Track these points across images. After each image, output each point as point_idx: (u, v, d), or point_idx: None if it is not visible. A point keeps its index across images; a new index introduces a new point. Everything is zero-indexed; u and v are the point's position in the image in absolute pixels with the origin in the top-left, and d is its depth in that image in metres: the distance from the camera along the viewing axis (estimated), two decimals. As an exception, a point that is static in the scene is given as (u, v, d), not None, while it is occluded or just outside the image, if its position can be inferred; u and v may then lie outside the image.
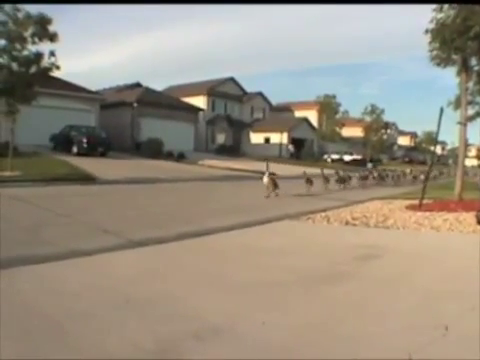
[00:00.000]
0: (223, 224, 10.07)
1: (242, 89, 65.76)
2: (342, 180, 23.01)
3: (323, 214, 12.30)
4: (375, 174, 29.41)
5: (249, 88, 67.20)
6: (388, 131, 70.95)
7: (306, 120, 63.81)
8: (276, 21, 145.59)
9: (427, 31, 14.08)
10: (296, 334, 4.13)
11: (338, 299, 5.15)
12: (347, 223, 10.98)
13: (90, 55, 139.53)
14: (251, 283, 5.65)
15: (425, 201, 14.02)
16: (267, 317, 4.44)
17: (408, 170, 36.70)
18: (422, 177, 28.13)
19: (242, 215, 11.73)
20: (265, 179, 15.94)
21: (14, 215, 10.30)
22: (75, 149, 31.21)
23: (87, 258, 6.73)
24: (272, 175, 18.29)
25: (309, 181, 19.53)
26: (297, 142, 60.38)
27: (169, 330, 4.09)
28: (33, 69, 22.26)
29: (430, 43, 14.22)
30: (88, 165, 23.41)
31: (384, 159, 72.31)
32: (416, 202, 14.10)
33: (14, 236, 8.07)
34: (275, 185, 16.36)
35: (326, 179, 21.59)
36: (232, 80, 64.53)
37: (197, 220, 10.86)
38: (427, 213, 12.43)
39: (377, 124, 62.36)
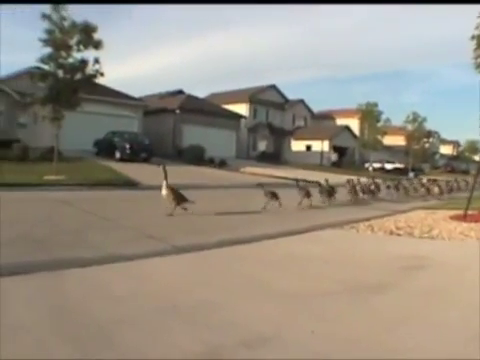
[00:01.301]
0: (266, 231, 9.99)
1: (284, 96, 65.61)
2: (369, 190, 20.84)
3: (367, 223, 12.12)
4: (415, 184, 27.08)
5: (291, 95, 67.13)
6: (430, 140, 69.75)
7: (347, 128, 63.32)
8: (318, 28, 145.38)
9: (473, 37, 13.82)
10: (347, 344, 4.07)
11: (385, 310, 5.07)
12: (391, 233, 10.76)
13: (133, 62, 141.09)
14: (297, 292, 5.60)
15: (470, 212, 13.71)
16: (315, 327, 4.38)
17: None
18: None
19: (285, 223, 11.70)
20: (164, 191, 11.77)
21: (59, 218, 10.47)
22: (118, 155, 31.63)
23: (131, 263, 6.77)
24: (312, 183, 18.18)
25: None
26: (338, 150, 60.01)
27: (217, 337, 4.06)
28: (78, 76, 22.68)
29: (475, 50, 13.96)
30: (130, 171, 23.65)
31: (426, 168, 71.09)
32: (460, 212, 13.82)
33: (60, 239, 8.20)
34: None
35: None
36: (274, 87, 64.42)
37: (240, 227, 10.83)
38: (472, 224, 12.10)
39: (419, 132, 61.30)
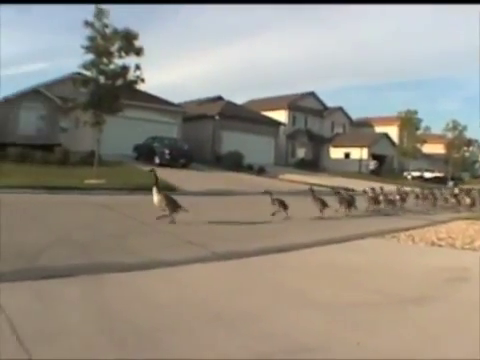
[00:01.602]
0: (305, 240, 9.86)
1: (323, 104, 65.43)
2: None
3: (407, 233, 11.86)
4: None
5: (329, 103, 66.90)
6: (470, 148, 68.52)
7: (386, 136, 62.56)
8: (357, 36, 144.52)
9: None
10: (395, 357, 4.00)
11: (430, 322, 4.94)
12: (433, 244, 10.50)
13: (172, 68, 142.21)
14: (339, 302, 5.53)
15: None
16: (361, 338, 4.29)
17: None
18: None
19: (324, 231, 11.60)
20: (155, 198, 11.02)
21: (100, 222, 10.58)
22: (157, 160, 31.91)
23: (172, 269, 6.78)
24: (346, 191, 17.87)
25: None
26: (377, 158, 59.45)
27: (262, 346, 4.03)
28: (119, 82, 22.99)
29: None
30: (169, 176, 23.70)
31: (466, 177, 69.81)
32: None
33: (100, 243, 8.27)
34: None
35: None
36: (312, 94, 64.30)
37: (279, 235, 10.72)
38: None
39: (459, 141, 60.27)
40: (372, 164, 58.13)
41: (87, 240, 8.38)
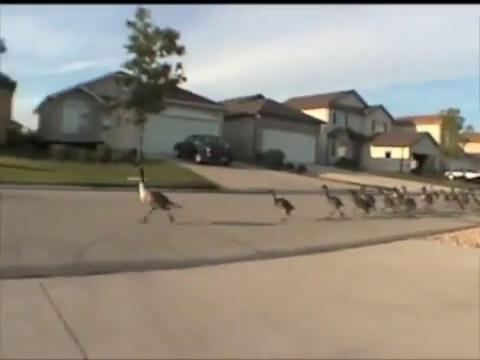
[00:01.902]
0: (347, 240, 9.77)
1: (363, 102, 64.82)
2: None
3: (451, 234, 11.58)
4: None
5: (370, 101, 66.22)
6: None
7: (428, 135, 61.50)
8: (397, 33, 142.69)
9: None
10: None
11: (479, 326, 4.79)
12: (478, 246, 10.23)
13: (212, 67, 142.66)
14: (386, 304, 5.44)
15: None
16: (410, 341, 4.24)
17: None
18: None
19: (366, 232, 11.48)
20: (142, 194, 10.44)
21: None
22: (198, 158, 31.93)
23: (217, 267, 6.79)
24: (394, 191, 17.41)
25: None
26: (418, 158, 58.60)
27: (312, 346, 4.01)
28: (161, 81, 23.22)
29: None
30: (211, 174, 23.80)
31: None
32: None
33: (146, 240, 8.34)
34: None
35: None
36: (353, 93, 63.75)
37: (322, 234, 10.63)
38: None
39: (503, 140, 59.08)
40: (413, 164, 57.33)
41: (131, 237, 8.46)
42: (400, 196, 16.88)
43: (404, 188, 17.83)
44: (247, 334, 4.21)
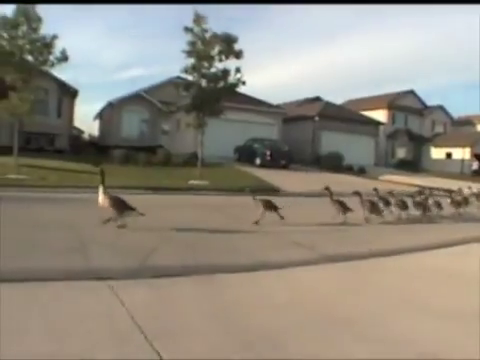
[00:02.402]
0: (411, 244, 9.58)
1: (422, 102, 63.53)
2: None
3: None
4: None
5: (429, 101, 64.85)
6: None
7: (490, 134, 59.97)
8: (456, 33, 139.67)
9: None
10: None
11: None
12: None
13: (270, 70, 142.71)
14: (454, 309, 5.29)
15: None
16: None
17: None
18: None
19: (425, 235, 11.15)
20: (100, 198, 9.44)
21: (208, 222, 10.68)
22: (258, 161, 31.98)
23: (283, 270, 6.75)
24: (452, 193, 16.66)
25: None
26: (480, 158, 57.07)
27: (387, 351, 3.95)
28: (220, 85, 23.29)
29: None
30: (271, 177, 23.76)
31: None
32: None
33: (210, 243, 8.38)
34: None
35: None
36: (412, 93, 62.54)
37: (385, 238, 10.45)
38: None
39: None
40: (475, 165, 55.83)
41: (195, 240, 8.51)
42: (465, 199, 16.08)
43: (427, 190, 16.52)
44: (321, 338, 4.17)
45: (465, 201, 15.94)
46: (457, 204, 15.49)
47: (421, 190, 16.05)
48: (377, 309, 5.19)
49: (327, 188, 12.26)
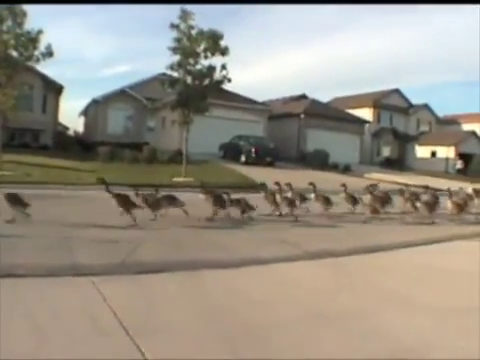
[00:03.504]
0: (395, 241, 9.55)
1: (408, 101, 63.75)
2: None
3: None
4: None
5: (415, 100, 65.08)
6: None
7: (474, 134, 60.00)
8: (441, 32, 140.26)
9: None
10: None
11: None
12: None
13: (255, 67, 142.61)
14: (440, 306, 5.30)
15: None
16: (465, 343, 4.10)
17: None
18: None
19: (407, 233, 11.16)
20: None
21: (192, 220, 10.65)
22: (243, 158, 32.01)
23: (267, 266, 6.77)
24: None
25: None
26: (464, 157, 57.27)
27: (366, 346, 3.96)
28: (206, 82, 23.27)
29: None
30: (256, 174, 23.77)
31: None
32: None
33: (194, 241, 8.38)
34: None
35: None
36: (397, 92, 62.75)
37: (370, 235, 10.42)
38: None
39: None
40: (459, 163, 56.12)
41: (179, 237, 8.52)
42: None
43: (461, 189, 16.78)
44: (303, 334, 4.18)
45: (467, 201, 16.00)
46: (458, 206, 15.59)
47: (402, 188, 16.12)
48: (359, 305, 5.21)
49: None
